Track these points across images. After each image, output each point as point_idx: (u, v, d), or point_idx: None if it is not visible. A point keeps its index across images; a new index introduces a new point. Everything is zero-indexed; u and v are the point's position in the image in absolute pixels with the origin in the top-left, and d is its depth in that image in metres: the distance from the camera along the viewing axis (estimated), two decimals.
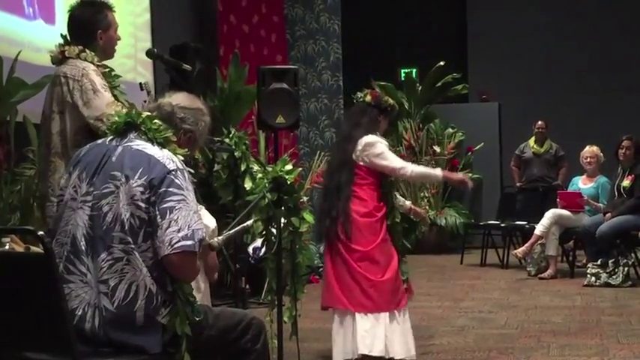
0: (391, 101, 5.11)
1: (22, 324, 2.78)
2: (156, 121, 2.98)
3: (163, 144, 2.94)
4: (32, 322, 2.75)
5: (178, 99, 3.12)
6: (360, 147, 4.84)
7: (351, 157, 4.84)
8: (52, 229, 2.99)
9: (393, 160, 4.83)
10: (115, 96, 3.87)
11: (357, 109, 5.05)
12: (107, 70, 3.99)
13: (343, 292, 4.69)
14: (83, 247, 2.82)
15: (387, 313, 4.66)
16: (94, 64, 3.89)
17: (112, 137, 2.99)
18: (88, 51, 3.90)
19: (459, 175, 5.29)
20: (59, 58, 3.94)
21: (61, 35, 4.01)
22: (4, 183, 5.90)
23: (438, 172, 5.06)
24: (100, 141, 3.05)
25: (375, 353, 4.61)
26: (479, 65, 12.66)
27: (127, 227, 2.78)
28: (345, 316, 4.69)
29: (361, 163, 4.83)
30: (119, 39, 4.08)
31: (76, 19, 3.99)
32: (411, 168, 4.90)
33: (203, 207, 4.17)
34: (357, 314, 4.64)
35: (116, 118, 3.01)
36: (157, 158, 2.86)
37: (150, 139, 2.94)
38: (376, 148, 4.82)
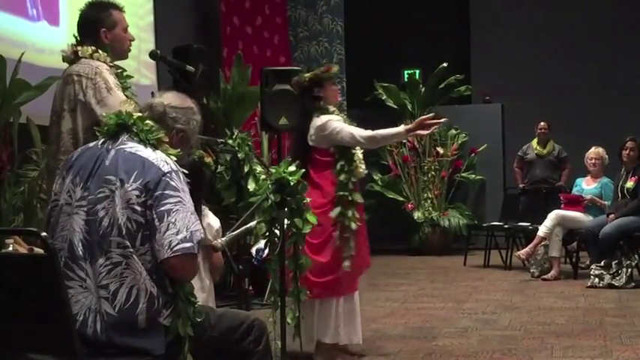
0: (305, 75, 5.14)
1: (25, 325, 2.78)
2: (148, 121, 2.97)
3: (156, 145, 2.93)
4: (35, 324, 2.75)
5: (169, 98, 3.09)
6: (312, 131, 4.91)
7: (306, 146, 4.98)
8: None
9: (349, 131, 4.92)
10: (126, 97, 3.87)
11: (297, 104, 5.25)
12: (120, 70, 4.00)
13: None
14: (81, 253, 2.81)
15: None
16: (106, 63, 3.89)
17: (103, 140, 2.97)
18: (100, 51, 3.90)
19: (419, 120, 5.02)
20: (71, 58, 3.94)
21: (74, 35, 4.01)
22: (8, 184, 5.91)
23: (400, 129, 5.00)
24: (91, 144, 3.03)
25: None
26: (482, 66, 12.65)
27: (124, 231, 2.77)
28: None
29: (323, 147, 4.97)
30: (132, 39, 4.06)
31: (82, 18, 4.01)
32: (371, 133, 4.93)
33: (207, 207, 4.18)
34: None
35: (107, 120, 3.00)
36: (151, 161, 2.85)
37: (142, 141, 2.92)
38: (327, 125, 4.93)
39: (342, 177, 4.97)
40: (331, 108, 5.09)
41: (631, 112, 11.58)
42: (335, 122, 4.96)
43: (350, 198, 4.97)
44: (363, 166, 5.13)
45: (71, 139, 3.81)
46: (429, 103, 11.85)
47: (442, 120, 5.01)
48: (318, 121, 4.99)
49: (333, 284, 4.92)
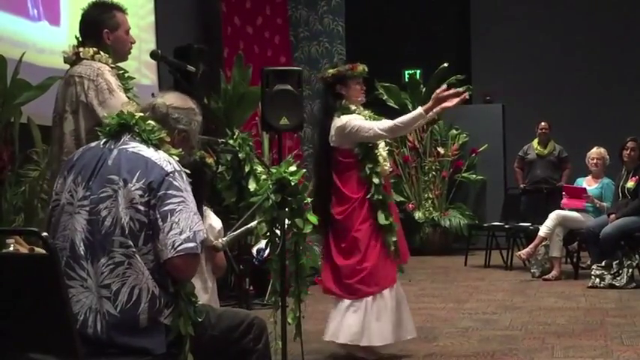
0: (330, 70, 5.13)
1: (26, 325, 2.78)
2: (150, 121, 2.97)
3: (158, 145, 2.93)
4: (36, 324, 2.75)
5: (171, 99, 3.10)
6: (333, 131, 4.91)
7: (328, 147, 4.99)
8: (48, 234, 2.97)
9: (367, 126, 4.88)
10: (128, 98, 3.86)
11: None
12: (121, 72, 3.99)
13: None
14: (82, 252, 2.81)
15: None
16: (108, 65, 3.89)
17: (105, 140, 2.97)
18: (102, 53, 3.89)
19: (434, 96, 4.90)
20: (73, 59, 3.93)
21: (75, 37, 4.01)
22: (9, 184, 5.91)
23: (418, 110, 4.93)
24: (93, 144, 3.03)
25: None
26: (483, 67, 12.65)
27: (127, 231, 2.77)
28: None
29: (345, 147, 4.96)
30: (133, 42, 4.05)
31: (84, 18, 3.99)
32: (391, 124, 4.89)
33: (209, 209, 4.18)
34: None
35: (109, 120, 3.01)
36: (154, 161, 2.85)
37: (144, 141, 2.92)
38: (347, 124, 4.90)
39: (375, 180, 4.94)
40: (353, 107, 5.04)
41: (632, 112, 11.57)
42: (354, 121, 4.93)
43: (383, 200, 4.96)
44: (388, 165, 5.11)
45: (74, 140, 3.81)
46: None
47: (461, 89, 4.98)
48: (339, 121, 4.96)
49: (366, 281, 4.94)
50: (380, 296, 4.98)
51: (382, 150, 5.07)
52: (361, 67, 5.14)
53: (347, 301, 4.99)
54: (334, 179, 5.01)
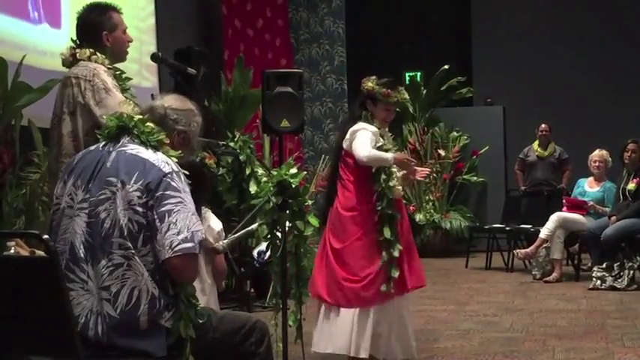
0: (369, 84, 4.99)
1: (26, 327, 2.78)
2: (148, 124, 2.97)
3: (157, 147, 2.94)
4: (37, 326, 2.75)
5: (170, 101, 3.10)
6: (348, 135, 4.91)
7: (341, 147, 4.96)
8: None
9: (359, 145, 4.81)
10: (126, 98, 3.86)
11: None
12: (118, 72, 4.00)
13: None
14: (82, 255, 2.82)
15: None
16: (104, 65, 3.89)
17: (104, 142, 2.98)
18: (98, 54, 3.90)
19: (402, 156, 4.99)
20: (70, 61, 3.94)
21: (72, 39, 4.01)
22: (10, 187, 5.91)
23: (389, 156, 4.86)
24: (92, 147, 3.04)
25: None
26: (483, 68, 12.65)
27: (125, 232, 2.77)
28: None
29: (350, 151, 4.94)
30: (130, 40, 4.06)
31: (81, 22, 4.00)
32: (367, 153, 4.80)
33: (209, 210, 4.19)
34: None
35: (108, 123, 3.01)
36: (152, 162, 2.85)
37: (143, 143, 2.93)
38: (357, 133, 4.85)
39: (389, 194, 4.82)
40: (375, 123, 4.98)
41: (633, 114, 11.57)
42: (363, 132, 4.83)
43: (392, 215, 4.85)
44: (400, 188, 4.97)
45: (72, 141, 3.81)
46: (430, 105, 11.86)
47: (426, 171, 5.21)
48: (356, 126, 4.92)
49: (359, 295, 4.78)
50: (367, 310, 4.81)
51: (397, 172, 5.00)
52: (394, 98, 4.97)
53: (336, 309, 4.85)
54: (346, 181, 4.95)
